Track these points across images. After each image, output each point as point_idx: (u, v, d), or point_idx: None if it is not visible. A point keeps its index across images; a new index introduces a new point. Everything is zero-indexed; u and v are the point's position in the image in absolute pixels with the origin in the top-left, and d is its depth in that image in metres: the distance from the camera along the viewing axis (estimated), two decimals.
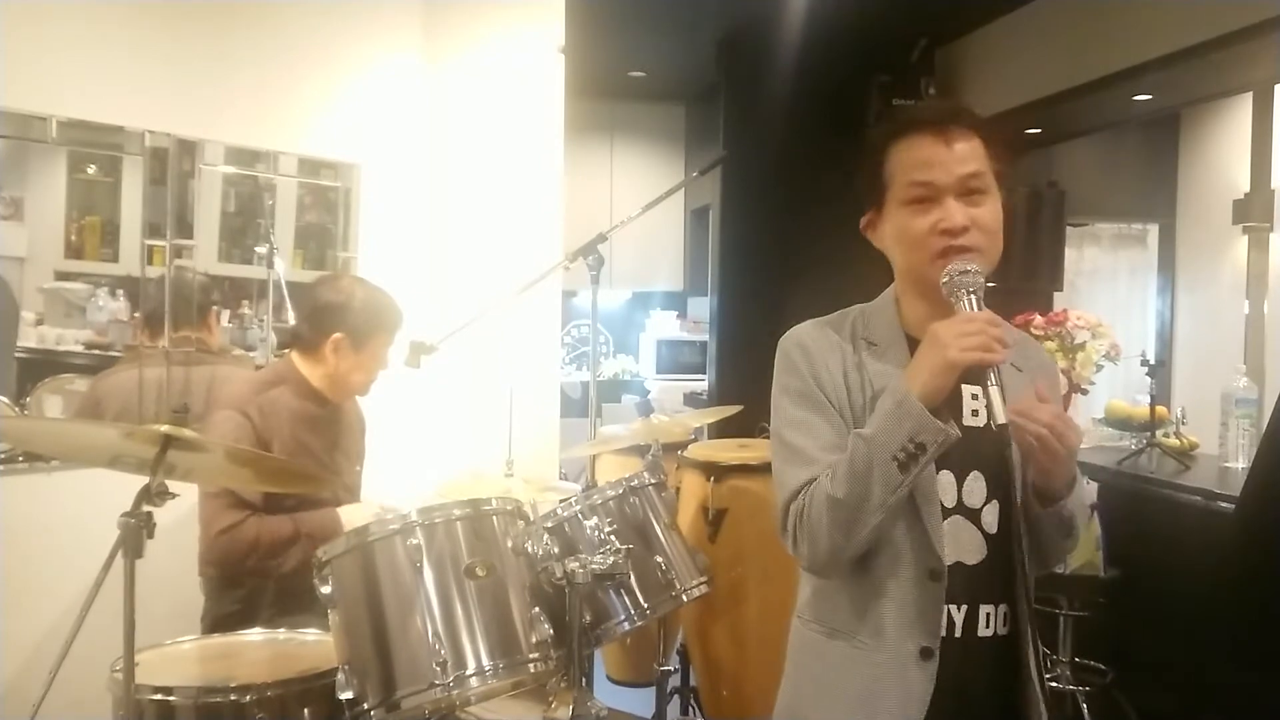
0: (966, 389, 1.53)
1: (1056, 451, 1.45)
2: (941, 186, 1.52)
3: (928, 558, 1.51)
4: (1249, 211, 5.78)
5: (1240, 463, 3.51)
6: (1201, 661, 2.92)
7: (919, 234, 1.53)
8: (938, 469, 1.52)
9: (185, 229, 3.14)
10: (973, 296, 1.48)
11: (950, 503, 1.54)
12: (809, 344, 1.61)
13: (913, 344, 1.56)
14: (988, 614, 1.55)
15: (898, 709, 1.51)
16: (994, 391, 1.41)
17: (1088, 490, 1.58)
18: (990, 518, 1.55)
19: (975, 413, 1.55)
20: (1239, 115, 5.97)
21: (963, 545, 1.54)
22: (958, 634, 1.53)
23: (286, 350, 2.80)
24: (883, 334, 1.61)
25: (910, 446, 1.42)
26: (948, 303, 1.50)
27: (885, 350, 1.59)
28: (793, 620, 1.68)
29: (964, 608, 1.54)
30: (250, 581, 2.53)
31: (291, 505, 2.53)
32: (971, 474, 1.54)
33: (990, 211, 1.54)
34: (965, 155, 1.52)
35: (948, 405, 1.46)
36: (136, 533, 1.75)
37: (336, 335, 2.62)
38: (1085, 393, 4.01)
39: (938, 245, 1.52)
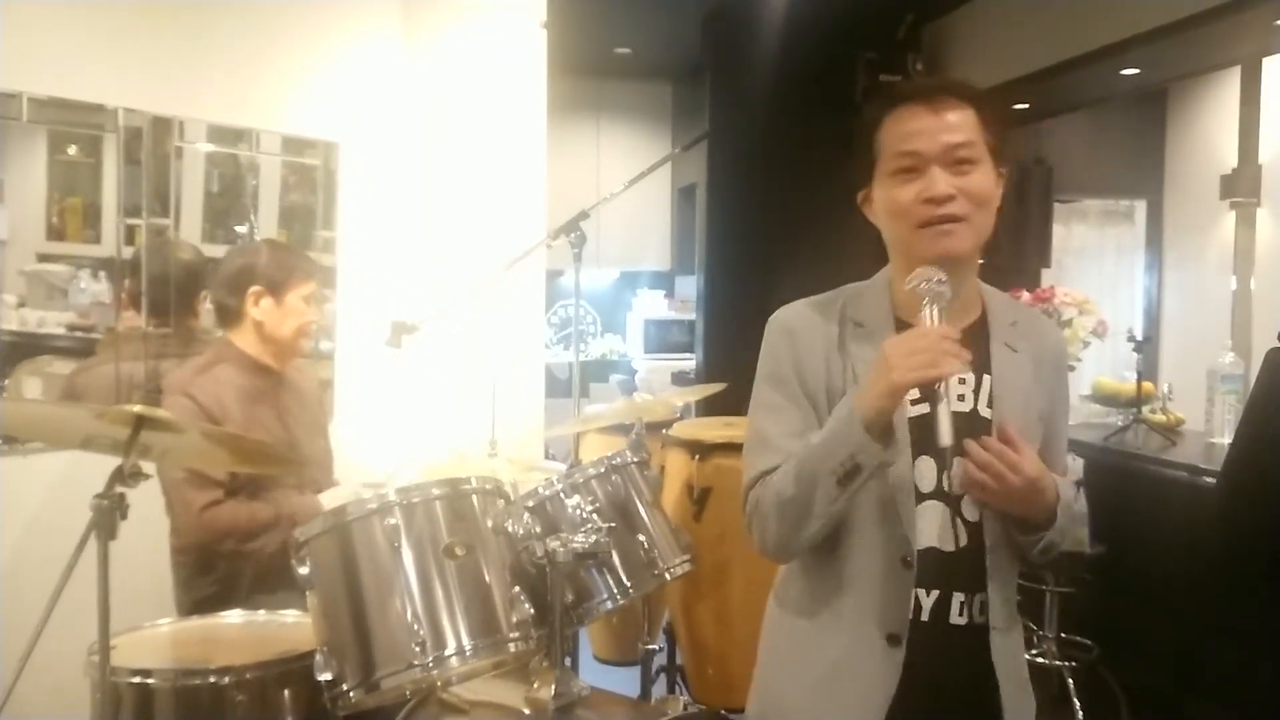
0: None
1: (999, 495, 1.47)
2: (927, 156, 1.49)
3: (899, 545, 1.51)
4: (1236, 187, 5.76)
5: (1226, 438, 3.51)
6: (1187, 636, 2.93)
7: (904, 203, 1.50)
8: (917, 454, 1.51)
9: (165, 209, 3.10)
10: (934, 308, 1.45)
11: (928, 489, 1.53)
12: (794, 326, 1.60)
13: (901, 326, 1.55)
14: (961, 601, 1.53)
15: (862, 693, 1.51)
16: (941, 409, 1.41)
17: (1080, 502, 1.57)
18: (971, 507, 1.53)
19: (961, 397, 1.53)
20: (1227, 90, 5.94)
21: (938, 532, 1.52)
22: (925, 619, 1.52)
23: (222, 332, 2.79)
24: (871, 315, 1.59)
25: (849, 464, 1.43)
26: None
27: (872, 332, 1.56)
28: (769, 599, 1.69)
29: (935, 594, 1.52)
30: (224, 565, 2.52)
31: (271, 486, 2.51)
32: (955, 461, 1.50)
33: (979, 181, 1.50)
34: (954, 125, 1.49)
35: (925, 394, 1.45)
36: (109, 514, 1.73)
37: (254, 288, 2.64)
38: (1072, 369, 4.01)
39: (922, 214, 1.49)
